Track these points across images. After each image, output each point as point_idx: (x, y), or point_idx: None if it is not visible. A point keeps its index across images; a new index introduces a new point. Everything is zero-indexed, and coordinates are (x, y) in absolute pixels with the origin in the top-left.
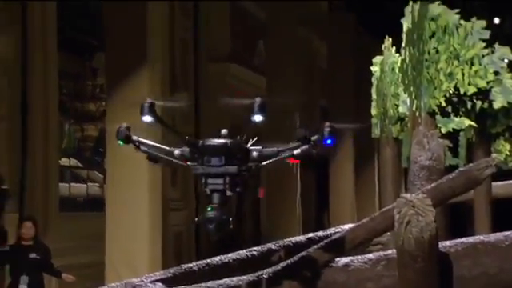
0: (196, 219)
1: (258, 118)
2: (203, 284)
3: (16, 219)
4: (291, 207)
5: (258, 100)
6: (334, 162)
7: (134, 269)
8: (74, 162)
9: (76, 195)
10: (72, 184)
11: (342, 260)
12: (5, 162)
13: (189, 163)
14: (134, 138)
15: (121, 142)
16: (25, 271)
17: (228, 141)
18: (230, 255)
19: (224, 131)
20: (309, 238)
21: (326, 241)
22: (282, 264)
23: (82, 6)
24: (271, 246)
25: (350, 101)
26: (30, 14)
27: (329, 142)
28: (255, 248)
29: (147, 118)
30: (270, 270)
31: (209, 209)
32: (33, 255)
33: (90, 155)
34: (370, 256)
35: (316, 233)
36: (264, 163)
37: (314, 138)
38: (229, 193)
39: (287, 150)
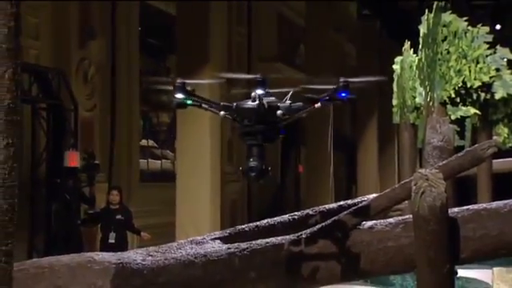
0: (240, 168)
1: (342, 95)
2: (253, 242)
3: (105, 188)
4: (325, 180)
5: (342, 80)
6: (360, 143)
7: (198, 229)
8: (151, 142)
9: (153, 169)
10: (150, 160)
11: (368, 223)
12: (97, 142)
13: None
14: (189, 88)
15: (179, 96)
16: (112, 229)
17: (255, 104)
18: (275, 219)
19: (253, 94)
20: (340, 205)
21: (354, 208)
22: (318, 226)
23: (159, 18)
24: (309, 211)
25: (375, 93)
26: (117, 23)
27: (343, 95)
28: (296, 213)
29: (179, 95)
30: (308, 231)
31: (251, 160)
32: (118, 216)
33: (164, 137)
34: (391, 220)
35: (346, 201)
36: (296, 115)
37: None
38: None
39: (311, 103)
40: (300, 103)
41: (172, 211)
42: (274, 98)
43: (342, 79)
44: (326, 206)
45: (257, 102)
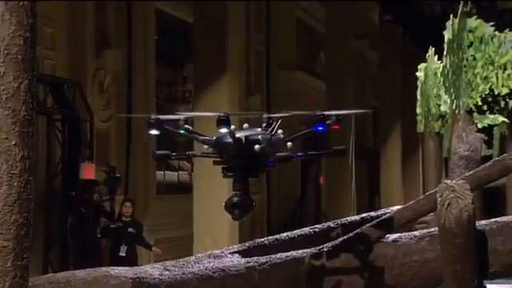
0: (223, 204)
1: (319, 128)
2: (273, 255)
3: (121, 200)
4: (347, 192)
5: (318, 113)
6: (383, 152)
7: (216, 242)
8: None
9: (169, 181)
10: (166, 172)
11: (392, 236)
12: (113, 153)
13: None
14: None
15: (154, 132)
16: (124, 242)
17: (230, 139)
18: (295, 232)
19: (232, 127)
20: (362, 218)
21: (377, 220)
22: (340, 240)
23: (175, 26)
24: (330, 224)
25: (398, 102)
26: (133, 33)
27: (320, 128)
28: (317, 226)
29: (154, 132)
30: (329, 244)
31: (234, 195)
32: (130, 229)
33: (181, 148)
34: (416, 233)
35: (369, 213)
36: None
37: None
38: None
39: (293, 138)
40: (280, 135)
41: (189, 224)
42: (259, 130)
43: (318, 112)
44: (348, 219)
45: (232, 137)
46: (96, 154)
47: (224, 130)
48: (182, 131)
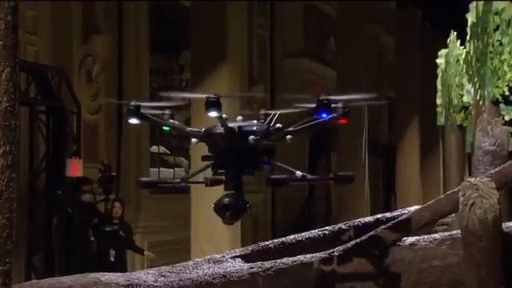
0: (213, 205)
1: (322, 115)
2: (279, 260)
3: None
4: (360, 191)
5: (322, 98)
6: (400, 147)
7: (216, 245)
8: (162, 149)
9: (165, 179)
10: (161, 169)
11: (409, 239)
12: (102, 149)
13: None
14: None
15: (134, 121)
16: (112, 246)
17: (222, 129)
18: (303, 234)
19: (224, 116)
20: (377, 219)
21: (393, 221)
22: (352, 243)
23: (171, 10)
24: (342, 225)
25: (416, 92)
26: (124, 16)
27: (324, 115)
28: (327, 228)
29: (133, 121)
30: (340, 247)
31: (225, 196)
32: (120, 232)
33: (177, 143)
34: (436, 236)
35: (384, 214)
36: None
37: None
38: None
39: (294, 130)
40: (279, 125)
41: (186, 226)
42: (255, 122)
43: (322, 97)
44: (361, 220)
45: (224, 128)
46: (84, 149)
47: (214, 114)
48: (166, 128)
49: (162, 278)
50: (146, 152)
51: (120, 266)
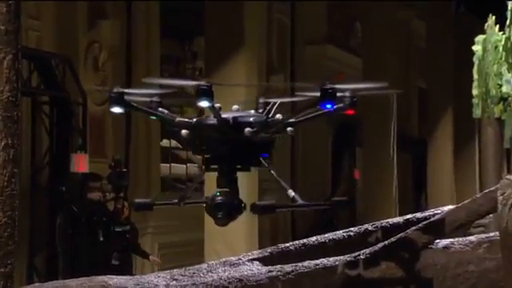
0: (204, 205)
1: (327, 106)
2: (300, 263)
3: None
4: (388, 188)
5: (326, 86)
6: (432, 142)
7: (232, 247)
8: (174, 143)
9: (176, 175)
10: (173, 164)
11: (442, 242)
12: (109, 142)
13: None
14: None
15: (116, 109)
16: (117, 249)
17: (215, 120)
18: (326, 235)
19: (218, 105)
20: (407, 220)
21: (424, 222)
22: (380, 245)
23: None
24: (368, 226)
25: (450, 81)
26: (134, 2)
27: (328, 106)
28: (352, 229)
29: (116, 109)
30: (367, 250)
31: (217, 194)
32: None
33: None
34: (472, 238)
35: (414, 214)
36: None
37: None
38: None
39: (295, 121)
40: (279, 116)
41: (200, 226)
42: (252, 112)
43: (326, 85)
44: (390, 221)
45: (218, 118)
46: (90, 143)
47: (205, 104)
48: (153, 117)
49: (174, 282)
50: (157, 146)
51: (125, 271)
